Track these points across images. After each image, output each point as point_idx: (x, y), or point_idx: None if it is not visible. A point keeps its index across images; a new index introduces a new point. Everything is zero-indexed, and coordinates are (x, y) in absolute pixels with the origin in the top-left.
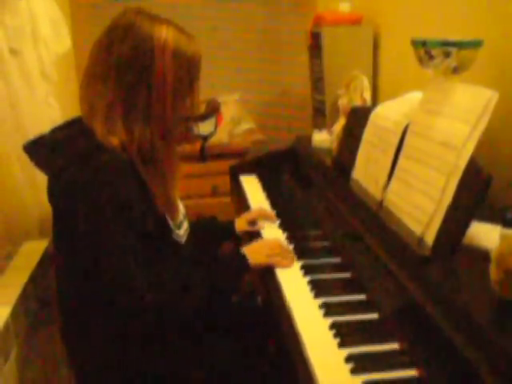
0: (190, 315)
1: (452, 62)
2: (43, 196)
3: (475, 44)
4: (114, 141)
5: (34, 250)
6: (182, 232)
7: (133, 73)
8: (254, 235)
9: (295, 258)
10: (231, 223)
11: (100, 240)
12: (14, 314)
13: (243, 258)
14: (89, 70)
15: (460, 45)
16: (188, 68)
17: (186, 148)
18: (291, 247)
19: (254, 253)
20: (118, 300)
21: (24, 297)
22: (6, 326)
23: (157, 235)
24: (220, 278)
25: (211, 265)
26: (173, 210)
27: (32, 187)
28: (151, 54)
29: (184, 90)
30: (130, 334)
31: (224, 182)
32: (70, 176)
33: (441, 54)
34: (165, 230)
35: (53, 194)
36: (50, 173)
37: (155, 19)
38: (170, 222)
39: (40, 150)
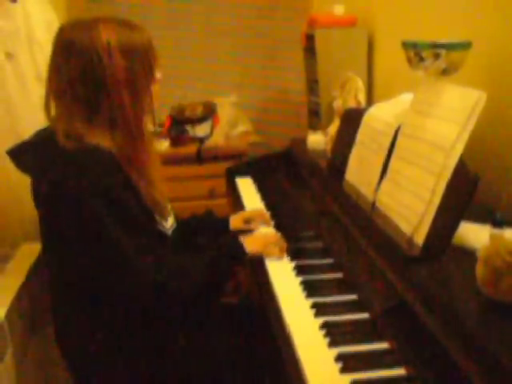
0: (191, 295)
1: (441, 63)
2: None
3: (464, 46)
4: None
5: (30, 252)
6: (168, 225)
7: (88, 87)
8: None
9: (286, 254)
10: (226, 220)
11: (94, 232)
12: (9, 316)
13: (241, 245)
14: (48, 91)
15: (449, 46)
16: (140, 58)
17: (186, 150)
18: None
19: (250, 242)
20: (122, 285)
21: (19, 298)
22: (1, 327)
23: (145, 225)
24: (218, 263)
25: (210, 250)
26: (160, 206)
27: (28, 190)
28: (99, 62)
29: (142, 83)
30: (128, 327)
31: (221, 184)
32: (55, 175)
33: (431, 55)
34: (151, 221)
35: (38, 195)
36: (34, 174)
37: (90, 24)
38: (156, 214)
39: (23, 153)
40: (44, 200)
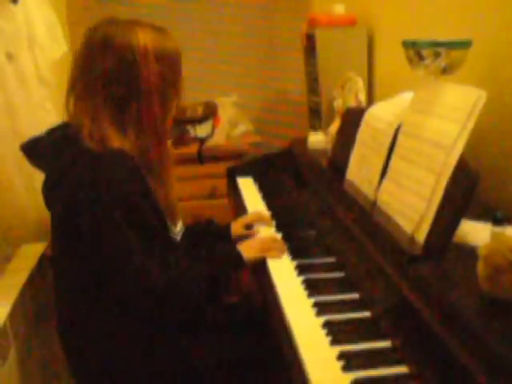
0: (194, 300)
1: (442, 62)
2: (41, 199)
3: (464, 44)
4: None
5: (31, 253)
6: (177, 230)
7: (121, 86)
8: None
9: (286, 251)
10: (227, 227)
11: (107, 233)
12: (12, 315)
13: (238, 254)
14: (73, 87)
15: (449, 45)
16: (171, 65)
17: (187, 150)
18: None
19: (247, 248)
20: (122, 283)
21: (22, 298)
22: (4, 327)
23: (158, 230)
24: (217, 273)
25: (209, 261)
26: (173, 210)
27: (29, 190)
28: (135, 63)
29: (170, 89)
30: (130, 328)
31: (222, 184)
32: (79, 177)
33: (431, 54)
34: (164, 226)
35: (52, 194)
36: (51, 172)
37: (128, 25)
38: (168, 220)
39: (39, 149)
40: (63, 200)
